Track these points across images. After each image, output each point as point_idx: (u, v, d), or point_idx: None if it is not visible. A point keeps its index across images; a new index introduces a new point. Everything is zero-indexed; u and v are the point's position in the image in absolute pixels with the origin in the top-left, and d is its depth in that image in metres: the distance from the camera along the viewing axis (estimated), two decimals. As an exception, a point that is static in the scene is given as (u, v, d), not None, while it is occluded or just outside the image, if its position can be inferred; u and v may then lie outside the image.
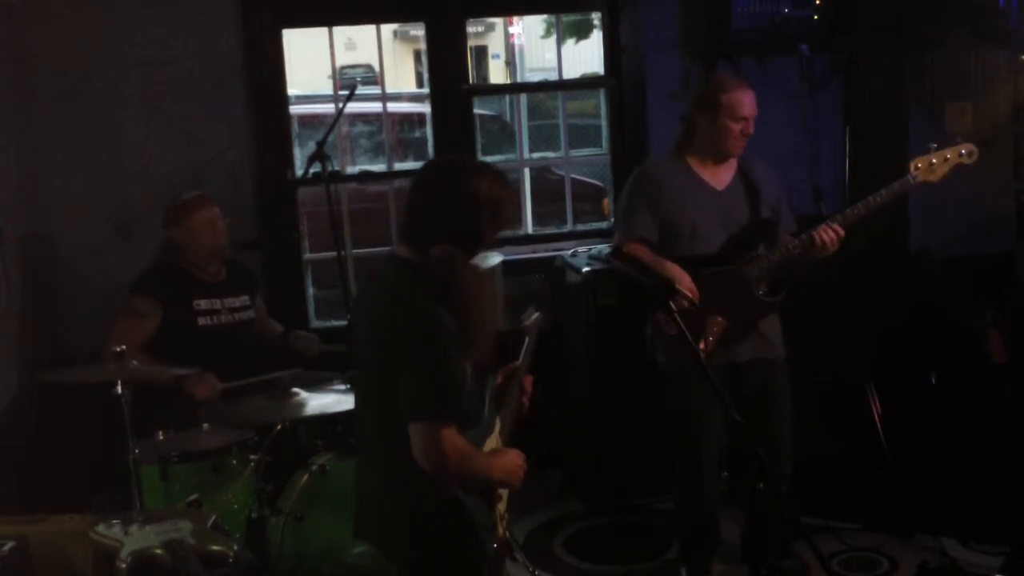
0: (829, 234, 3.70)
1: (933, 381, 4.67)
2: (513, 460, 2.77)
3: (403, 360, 2.55)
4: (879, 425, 4.46)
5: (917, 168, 3.73)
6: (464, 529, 2.67)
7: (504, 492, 2.85)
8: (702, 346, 3.70)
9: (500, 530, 2.80)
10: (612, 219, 5.52)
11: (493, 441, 2.84)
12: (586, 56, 9.30)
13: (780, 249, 3.79)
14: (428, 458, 2.54)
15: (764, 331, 3.87)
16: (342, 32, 5.69)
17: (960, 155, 3.76)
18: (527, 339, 3.00)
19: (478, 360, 2.72)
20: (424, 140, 5.61)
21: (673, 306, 3.04)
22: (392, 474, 2.67)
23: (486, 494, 2.76)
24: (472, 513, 2.67)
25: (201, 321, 4.17)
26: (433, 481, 2.60)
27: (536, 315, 3.05)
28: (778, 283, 3.86)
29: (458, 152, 5.35)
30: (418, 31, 7.33)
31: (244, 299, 4.34)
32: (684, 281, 3.69)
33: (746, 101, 3.78)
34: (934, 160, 3.73)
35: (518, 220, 5.69)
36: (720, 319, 3.74)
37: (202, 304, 4.19)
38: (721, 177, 3.89)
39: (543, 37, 16.39)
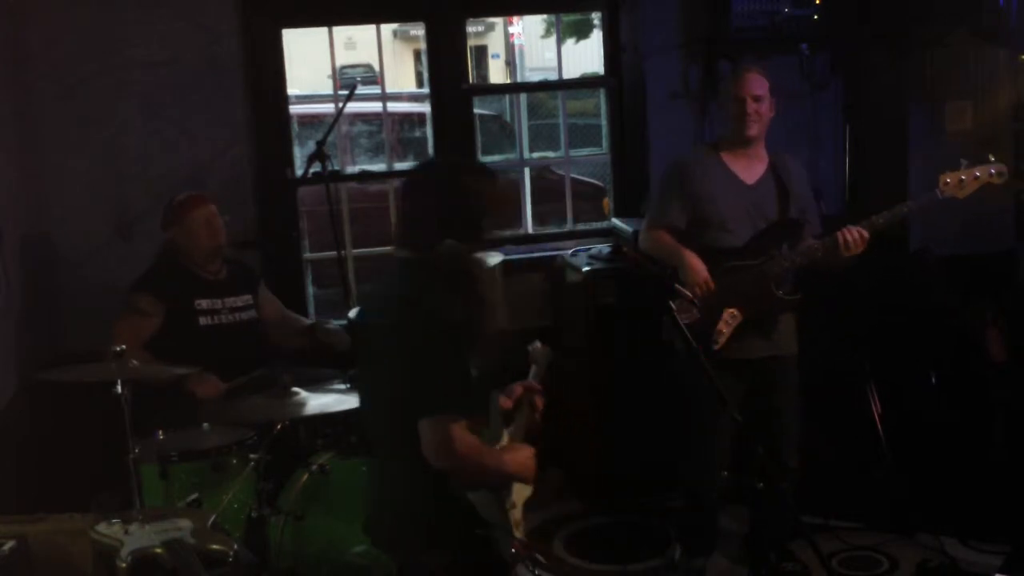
0: (853, 234, 3.70)
1: (933, 381, 4.67)
2: (524, 454, 2.80)
3: (412, 358, 2.57)
4: (879, 425, 4.46)
5: (946, 183, 3.73)
6: (477, 533, 2.68)
7: (518, 498, 2.85)
8: (716, 336, 3.72)
9: (518, 533, 2.80)
10: (612, 219, 5.53)
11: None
12: (586, 56, 9.29)
13: (804, 250, 3.80)
14: (439, 454, 2.53)
15: (779, 329, 3.88)
16: (342, 32, 5.70)
17: (991, 174, 3.75)
18: (533, 367, 3.09)
19: (487, 354, 2.74)
20: (424, 140, 5.62)
21: (673, 305, 3.06)
22: (403, 479, 2.68)
23: (500, 498, 2.76)
24: (486, 516, 2.68)
25: (202, 321, 4.16)
26: (443, 485, 2.60)
27: (541, 346, 3.13)
28: (800, 282, 3.87)
29: (458, 152, 5.37)
30: (418, 31, 7.34)
31: (246, 299, 4.33)
32: (700, 272, 3.74)
33: (748, 79, 3.82)
34: (963, 177, 3.73)
35: (518, 220, 5.70)
36: (736, 312, 3.75)
37: (203, 304, 4.18)
38: (753, 171, 3.90)
39: (543, 37, 16.39)
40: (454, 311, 2.57)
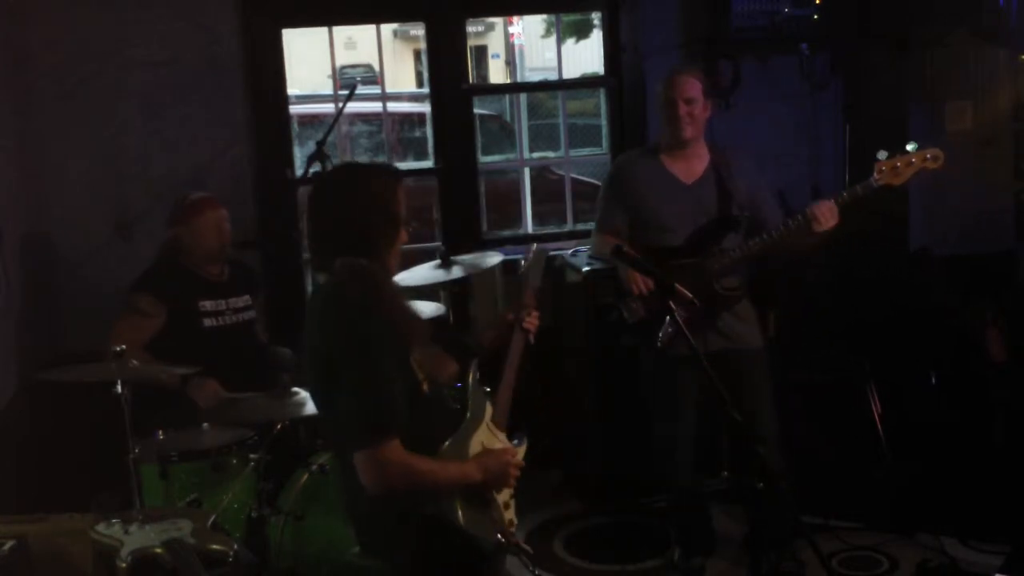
0: (821, 209, 3.70)
1: (933, 381, 4.67)
2: (498, 459, 2.69)
3: (326, 389, 2.56)
4: (879, 425, 4.46)
5: (881, 171, 3.73)
6: (452, 538, 2.62)
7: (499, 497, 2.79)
8: (660, 335, 3.75)
9: (503, 521, 2.75)
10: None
11: (483, 432, 2.80)
12: (586, 56, 9.28)
13: (741, 247, 3.85)
14: (375, 486, 2.50)
15: (731, 323, 3.92)
16: (342, 32, 5.70)
17: (925, 159, 3.74)
18: (528, 276, 3.02)
19: (420, 344, 2.69)
20: (424, 140, 5.62)
21: (673, 305, 3.06)
22: (360, 494, 2.64)
23: (477, 495, 2.70)
24: (461, 521, 2.62)
25: (206, 322, 4.14)
26: (403, 500, 2.56)
27: (536, 252, 3.06)
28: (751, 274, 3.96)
29: (459, 152, 5.38)
30: (418, 31, 7.33)
31: (247, 299, 4.31)
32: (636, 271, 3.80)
33: (680, 82, 3.86)
34: (898, 164, 3.73)
35: (518, 220, 5.70)
36: (680, 310, 3.76)
37: (207, 305, 4.16)
38: (692, 170, 3.96)
39: (543, 37, 16.37)
40: (358, 335, 2.49)
